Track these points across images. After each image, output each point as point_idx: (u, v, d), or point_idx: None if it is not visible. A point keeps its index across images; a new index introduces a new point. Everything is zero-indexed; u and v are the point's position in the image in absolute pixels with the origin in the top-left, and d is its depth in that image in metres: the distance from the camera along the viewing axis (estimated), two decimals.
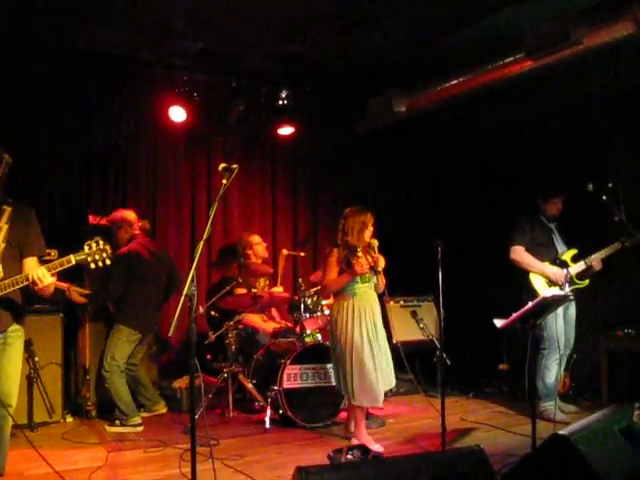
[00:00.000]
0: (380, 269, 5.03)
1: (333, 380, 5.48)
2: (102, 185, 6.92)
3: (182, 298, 3.31)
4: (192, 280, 3.33)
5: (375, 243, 5.05)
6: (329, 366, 5.66)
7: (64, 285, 5.57)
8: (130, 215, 5.96)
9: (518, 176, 7.21)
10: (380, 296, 5.23)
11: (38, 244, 3.79)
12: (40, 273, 3.45)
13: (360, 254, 5.00)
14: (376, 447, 4.84)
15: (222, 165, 3.70)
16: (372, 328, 5.01)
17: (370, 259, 5.01)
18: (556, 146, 6.85)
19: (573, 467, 3.18)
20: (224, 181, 3.63)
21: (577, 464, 3.16)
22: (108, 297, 5.83)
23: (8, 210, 3.64)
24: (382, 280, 5.11)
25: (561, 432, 3.30)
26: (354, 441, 4.94)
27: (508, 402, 6.42)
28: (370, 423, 5.60)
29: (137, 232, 5.96)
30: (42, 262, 3.71)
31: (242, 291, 6.51)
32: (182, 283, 3.80)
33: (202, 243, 3.47)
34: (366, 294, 5.08)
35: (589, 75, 6.12)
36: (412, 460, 2.89)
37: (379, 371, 4.95)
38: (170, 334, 3.40)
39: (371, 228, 5.06)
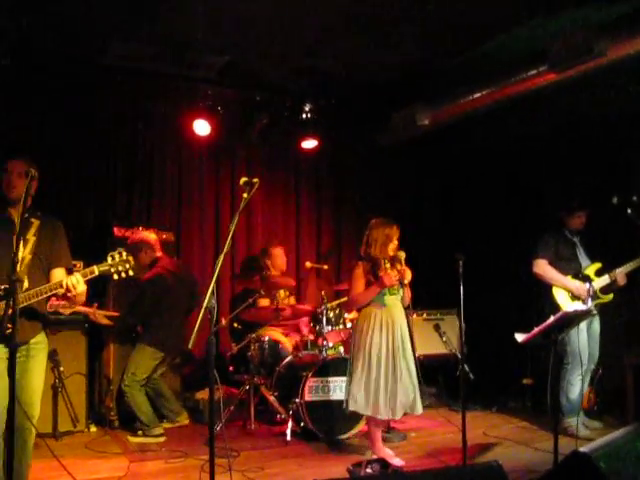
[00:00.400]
0: (407, 282, 4.95)
1: None
2: (127, 197, 7.04)
3: (202, 311, 3.34)
4: (212, 293, 3.36)
5: (402, 255, 4.95)
6: None
7: (89, 310, 5.69)
8: (150, 236, 6.02)
9: (541, 189, 7.17)
10: (405, 309, 5.14)
11: (66, 257, 3.86)
12: (74, 280, 3.48)
13: (388, 266, 4.94)
14: (396, 461, 4.82)
15: (243, 179, 3.72)
16: (399, 342, 4.91)
17: (396, 271, 4.93)
18: (580, 159, 6.79)
19: None
20: (245, 195, 3.64)
21: None
22: (134, 321, 5.98)
23: (36, 223, 3.70)
24: (408, 293, 5.06)
25: (582, 449, 3.25)
26: (374, 455, 4.92)
27: (532, 417, 6.36)
28: (392, 437, 5.61)
29: (159, 254, 6.02)
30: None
31: (265, 303, 6.54)
32: (204, 297, 3.84)
33: (222, 256, 3.49)
34: (394, 306, 5.00)
35: (613, 87, 6.05)
36: (430, 475, 2.88)
37: (402, 386, 4.84)
38: (190, 346, 3.43)
39: (396, 241, 4.99)
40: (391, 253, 4.99)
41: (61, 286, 3.50)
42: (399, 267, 4.94)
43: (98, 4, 5.28)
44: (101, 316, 5.84)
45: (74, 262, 5.65)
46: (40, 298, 3.53)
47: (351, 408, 4.93)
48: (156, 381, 5.97)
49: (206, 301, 3.32)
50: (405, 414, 4.97)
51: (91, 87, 6.49)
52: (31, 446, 3.75)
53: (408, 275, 4.95)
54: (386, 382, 4.83)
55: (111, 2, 5.26)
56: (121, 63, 6.35)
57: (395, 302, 5.01)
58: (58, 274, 3.74)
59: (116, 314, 5.97)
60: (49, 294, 3.54)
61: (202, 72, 6.60)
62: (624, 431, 3.71)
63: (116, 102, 6.75)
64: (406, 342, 4.98)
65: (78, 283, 3.49)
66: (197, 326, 3.32)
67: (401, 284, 4.97)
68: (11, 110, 6.13)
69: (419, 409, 4.92)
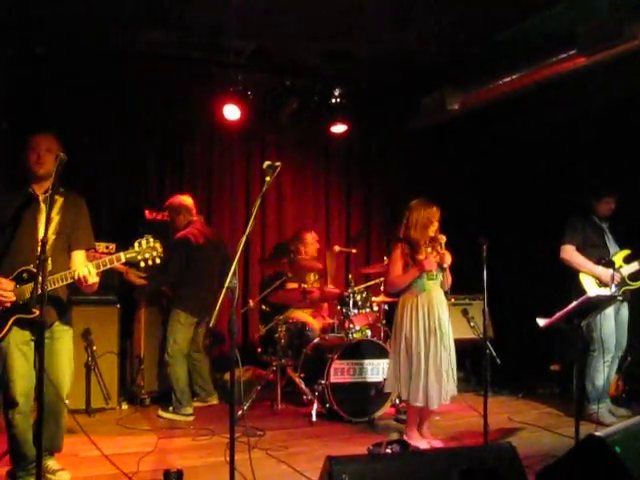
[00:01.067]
0: (446, 265, 4.84)
1: (381, 375, 5.57)
2: (159, 181, 7.19)
3: (224, 290, 3.40)
4: (234, 273, 3.42)
5: (443, 239, 4.83)
6: (376, 362, 5.75)
7: (122, 268, 5.73)
8: (187, 200, 6.11)
9: (570, 174, 7.10)
10: (445, 294, 5.04)
11: (87, 237, 3.88)
12: (86, 271, 3.51)
13: (429, 250, 4.85)
14: (435, 443, 4.95)
15: (266, 163, 3.77)
16: (438, 327, 4.81)
17: (436, 255, 4.86)
18: (609, 144, 6.71)
19: (609, 469, 3.15)
20: (267, 178, 3.70)
21: (613, 466, 3.13)
22: (166, 279, 5.98)
23: (60, 200, 3.73)
24: (448, 277, 4.96)
25: (597, 433, 3.26)
26: (393, 435, 4.94)
27: (558, 403, 6.34)
28: None
29: (195, 218, 6.10)
30: (94, 257, 3.82)
31: (293, 286, 6.61)
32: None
33: (244, 237, 3.56)
34: (434, 291, 4.90)
35: None
36: (441, 454, 2.93)
37: (438, 372, 4.78)
38: (211, 325, 3.51)
39: (436, 223, 4.89)
40: (432, 234, 4.90)
41: (73, 277, 3.53)
42: (439, 250, 4.84)
43: None
44: (134, 275, 5.94)
45: (107, 244, 5.90)
46: (55, 287, 3.55)
47: (387, 390, 5.02)
48: (199, 357, 6.13)
49: (227, 281, 3.37)
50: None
51: (122, 74, 6.60)
52: (63, 415, 3.89)
53: (448, 259, 4.83)
54: (426, 370, 4.76)
55: None
56: (151, 50, 6.45)
57: (434, 287, 4.91)
58: (78, 257, 3.77)
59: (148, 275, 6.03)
60: (62, 284, 3.57)
61: (232, 57, 6.66)
62: None
63: (147, 88, 6.84)
64: (444, 328, 4.86)
65: (90, 275, 3.51)
66: (218, 305, 3.37)
67: (441, 268, 4.86)
68: (43, 97, 6.31)
69: (454, 390, 4.92)
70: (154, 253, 3.55)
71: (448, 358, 4.85)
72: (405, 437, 4.93)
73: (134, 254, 3.52)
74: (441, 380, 4.79)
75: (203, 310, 5.95)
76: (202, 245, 5.95)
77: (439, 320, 4.85)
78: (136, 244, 3.53)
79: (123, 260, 3.53)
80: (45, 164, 3.71)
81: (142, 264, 3.55)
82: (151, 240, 3.56)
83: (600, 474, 3.19)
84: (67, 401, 3.95)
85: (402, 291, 4.98)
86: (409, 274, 4.86)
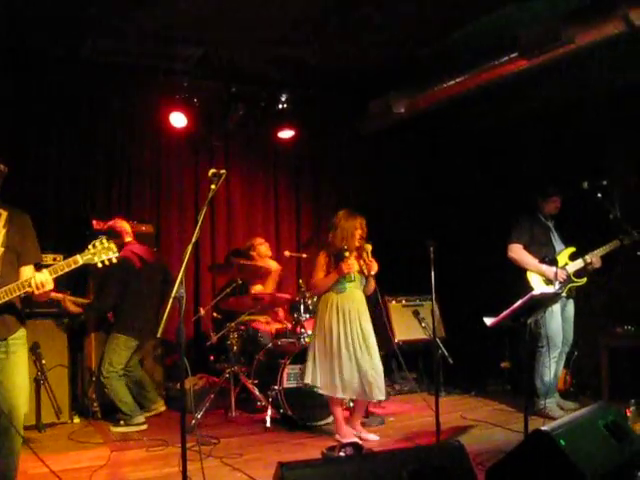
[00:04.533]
0: (373, 273, 5.13)
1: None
2: (106, 190, 7.07)
3: (170, 300, 3.38)
4: (181, 282, 3.41)
5: (369, 248, 5.14)
6: None
7: (59, 296, 5.68)
8: (118, 223, 6.01)
9: (517, 174, 7.25)
10: (372, 298, 5.31)
11: (34, 252, 3.76)
12: (43, 278, 3.42)
13: (347, 254, 5.07)
14: (371, 437, 5.19)
15: (211, 171, 3.78)
16: (357, 326, 5.08)
17: (362, 263, 5.12)
18: (555, 143, 6.88)
19: (554, 462, 3.23)
20: (212, 186, 3.71)
21: (558, 459, 3.21)
22: (102, 308, 5.89)
23: (4, 214, 3.62)
24: (372, 284, 5.24)
25: (543, 428, 3.35)
26: (340, 438, 5.08)
27: (509, 400, 6.45)
28: (370, 421, 5.70)
29: (128, 240, 5.99)
30: (41, 267, 3.72)
31: (258, 289, 6.60)
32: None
33: (190, 246, 3.55)
34: (352, 294, 5.16)
35: (584, 74, 6.14)
36: (391, 455, 2.96)
37: (357, 365, 5.00)
38: (158, 335, 3.48)
39: (360, 232, 5.13)
40: (357, 244, 5.13)
41: (29, 285, 3.43)
42: (366, 259, 5.12)
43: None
44: (70, 303, 5.83)
45: (55, 256, 5.79)
46: (10, 297, 3.45)
47: (306, 381, 5.11)
48: (134, 370, 6.01)
49: (174, 291, 3.36)
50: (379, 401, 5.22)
51: (68, 81, 6.52)
52: (17, 448, 3.64)
53: (374, 267, 5.12)
54: (340, 362, 4.99)
55: None
56: (97, 57, 6.38)
57: (352, 290, 5.16)
58: (27, 272, 3.64)
59: (87, 301, 5.97)
60: (19, 293, 3.46)
61: (178, 65, 6.64)
62: (586, 410, 3.82)
63: (92, 96, 6.78)
64: (365, 328, 5.12)
65: (47, 282, 3.43)
66: (165, 315, 3.36)
67: (365, 275, 5.15)
68: None
69: (377, 396, 5.06)
70: (110, 253, 3.49)
71: (369, 359, 5.05)
72: (336, 435, 5.14)
73: (90, 256, 3.46)
74: (362, 374, 4.99)
75: (144, 333, 5.87)
76: (137, 268, 5.87)
77: (359, 321, 5.10)
78: (90, 246, 3.47)
79: (80, 262, 3.46)
80: None
81: (100, 265, 3.49)
82: (105, 241, 3.50)
83: (546, 467, 3.27)
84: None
85: (322, 294, 5.24)
86: (329, 277, 5.14)
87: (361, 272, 5.15)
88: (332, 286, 5.16)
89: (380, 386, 5.04)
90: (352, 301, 5.14)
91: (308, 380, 5.11)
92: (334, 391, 5.03)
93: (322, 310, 5.18)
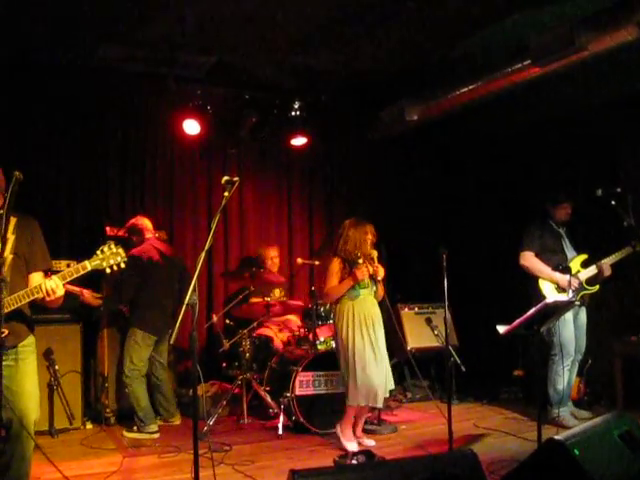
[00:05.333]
0: (380, 278, 5.25)
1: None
2: (120, 197, 7.10)
3: (183, 307, 3.39)
4: (194, 290, 3.42)
5: (375, 254, 5.26)
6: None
7: (77, 289, 5.68)
8: (140, 220, 6.08)
9: (529, 181, 7.24)
10: (381, 303, 5.40)
11: (43, 258, 3.75)
12: (53, 284, 3.42)
13: (361, 261, 5.18)
14: (368, 442, 5.25)
15: (225, 178, 3.79)
16: (372, 332, 5.17)
17: (370, 268, 5.20)
18: (566, 151, 6.86)
19: (568, 471, 3.20)
20: (226, 194, 3.71)
21: (572, 468, 3.19)
22: (121, 299, 5.89)
23: (14, 220, 3.58)
24: (381, 289, 5.35)
25: (556, 437, 3.32)
26: (345, 445, 5.10)
27: (522, 408, 6.42)
28: (381, 429, 5.69)
29: (149, 236, 6.04)
30: (52, 274, 3.74)
31: (257, 300, 6.61)
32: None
33: (203, 254, 3.56)
34: (365, 300, 5.26)
35: (598, 81, 6.10)
36: (403, 464, 2.95)
37: (381, 372, 5.12)
38: (172, 342, 3.49)
39: (371, 237, 5.27)
40: (368, 250, 5.24)
41: (39, 292, 3.43)
42: (373, 264, 5.22)
43: (86, 8, 5.34)
44: (90, 296, 5.85)
45: (68, 262, 5.82)
46: (20, 304, 3.45)
47: (350, 403, 5.14)
48: (160, 378, 6.03)
49: (187, 298, 3.37)
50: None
51: (81, 90, 6.55)
52: (30, 454, 3.64)
53: (381, 272, 5.26)
54: (376, 372, 5.09)
55: (98, 6, 5.32)
56: (110, 65, 6.42)
57: (366, 296, 5.27)
58: (36, 278, 3.64)
59: (102, 295, 5.98)
60: (29, 300, 3.46)
61: (191, 72, 6.68)
62: (600, 419, 3.79)
63: (106, 104, 6.81)
64: (378, 331, 5.23)
65: (57, 287, 3.43)
66: (179, 321, 3.37)
67: (374, 281, 5.26)
68: (1, 112, 6.21)
69: (380, 402, 5.18)
70: (118, 258, 3.50)
71: (384, 365, 5.19)
72: (339, 434, 5.19)
73: (98, 261, 3.46)
74: (387, 380, 5.17)
75: (162, 327, 5.89)
76: (156, 262, 5.89)
77: (373, 326, 5.21)
78: (99, 251, 3.48)
79: (89, 268, 3.46)
80: None
81: (108, 270, 3.49)
82: (113, 246, 3.50)
83: (560, 477, 3.25)
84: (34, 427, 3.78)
85: (337, 301, 5.32)
86: (344, 284, 5.21)
87: (371, 278, 5.24)
88: (346, 293, 5.22)
89: (384, 393, 5.16)
90: (367, 307, 5.24)
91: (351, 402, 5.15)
92: (374, 400, 5.12)
93: (340, 320, 5.26)
